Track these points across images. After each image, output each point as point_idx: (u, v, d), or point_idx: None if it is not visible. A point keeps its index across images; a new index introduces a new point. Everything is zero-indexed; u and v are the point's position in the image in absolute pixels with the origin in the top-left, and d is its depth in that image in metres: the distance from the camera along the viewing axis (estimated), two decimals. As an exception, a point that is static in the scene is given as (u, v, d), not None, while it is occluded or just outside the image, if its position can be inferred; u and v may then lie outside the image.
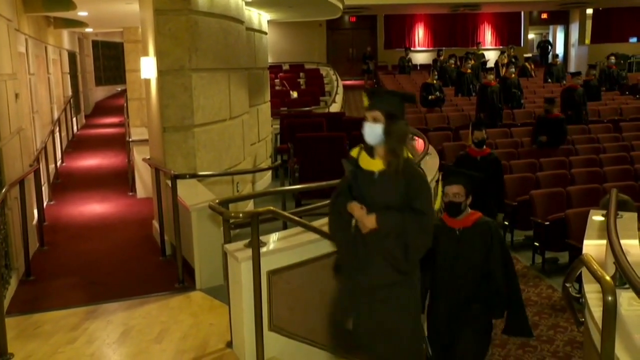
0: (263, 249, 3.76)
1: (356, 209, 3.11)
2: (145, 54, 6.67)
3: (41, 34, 10.76)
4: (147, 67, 6.50)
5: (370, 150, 3.19)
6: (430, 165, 6.40)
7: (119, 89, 21.47)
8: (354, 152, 3.29)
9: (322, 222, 4.50)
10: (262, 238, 3.81)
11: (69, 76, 14.64)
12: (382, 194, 3.12)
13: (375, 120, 3.13)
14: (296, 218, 4.14)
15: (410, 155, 3.20)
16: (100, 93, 21.11)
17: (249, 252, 3.68)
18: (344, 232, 3.25)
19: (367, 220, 3.09)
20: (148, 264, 6.30)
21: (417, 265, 3.24)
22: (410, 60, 21.28)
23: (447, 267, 4.14)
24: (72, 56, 15.34)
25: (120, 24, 12.90)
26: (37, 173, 7.10)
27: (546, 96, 11.82)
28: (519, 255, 7.85)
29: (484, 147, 6.99)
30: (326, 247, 4.08)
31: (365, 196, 3.14)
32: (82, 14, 10.16)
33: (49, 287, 5.74)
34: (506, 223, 8.22)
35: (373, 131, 3.13)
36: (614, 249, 2.52)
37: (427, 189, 3.22)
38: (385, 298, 3.14)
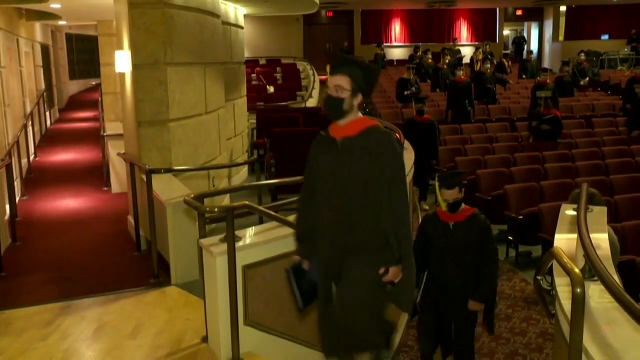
0: (239, 244, 3.76)
1: None
2: (120, 47, 6.61)
3: (13, 26, 10.58)
4: (122, 61, 6.43)
5: None
6: (407, 160, 6.44)
7: (94, 83, 21.21)
8: None
9: (298, 217, 4.52)
10: (237, 233, 3.81)
11: (42, 70, 14.42)
12: None
13: None
14: (272, 213, 4.14)
15: None
16: (74, 87, 20.82)
17: (225, 246, 3.67)
18: None
19: None
20: (123, 260, 6.25)
21: None
22: (385, 56, 21.38)
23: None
24: (45, 49, 15.10)
25: (95, 17, 12.72)
26: (9, 168, 6.99)
27: (419, 96, 10.04)
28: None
29: (462, 206, 4.32)
30: (302, 241, 4.09)
31: None
32: (55, 6, 10.00)
33: (22, 283, 5.66)
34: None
35: None
36: (584, 242, 2.57)
37: None
38: None
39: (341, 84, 3.07)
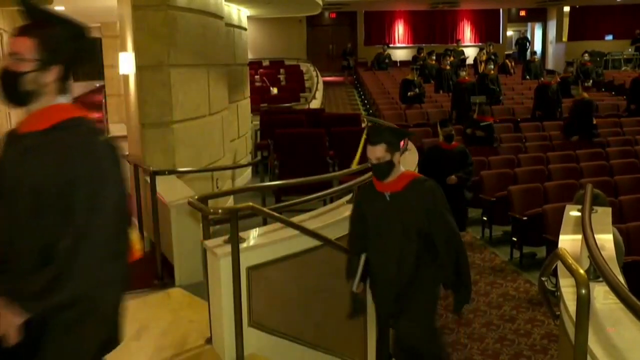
0: (242, 245, 3.75)
1: None
2: (124, 49, 6.62)
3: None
4: (125, 63, 6.45)
5: None
6: (409, 161, 6.45)
7: (97, 85, 21.23)
8: None
9: (301, 218, 4.52)
10: (241, 234, 3.81)
11: (45, 71, 14.44)
12: None
13: None
14: (276, 214, 4.14)
15: None
16: (78, 89, 20.84)
17: (228, 248, 3.67)
18: None
19: None
20: (127, 261, 6.24)
21: None
22: (389, 56, 21.35)
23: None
24: (48, 51, 15.12)
25: (98, 19, 12.74)
26: (13, 170, 7.00)
27: (439, 119, 8.83)
28: (497, 250, 7.93)
29: (398, 172, 3.86)
30: (305, 243, 4.10)
31: None
32: (58, 8, 10.04)
33: (26, 284, 5.66)
34: (484, 218, 8.29)
35: None
36: (589, 243, 2.56)
37: None
38: None
39: (20, 50, 2.00)
